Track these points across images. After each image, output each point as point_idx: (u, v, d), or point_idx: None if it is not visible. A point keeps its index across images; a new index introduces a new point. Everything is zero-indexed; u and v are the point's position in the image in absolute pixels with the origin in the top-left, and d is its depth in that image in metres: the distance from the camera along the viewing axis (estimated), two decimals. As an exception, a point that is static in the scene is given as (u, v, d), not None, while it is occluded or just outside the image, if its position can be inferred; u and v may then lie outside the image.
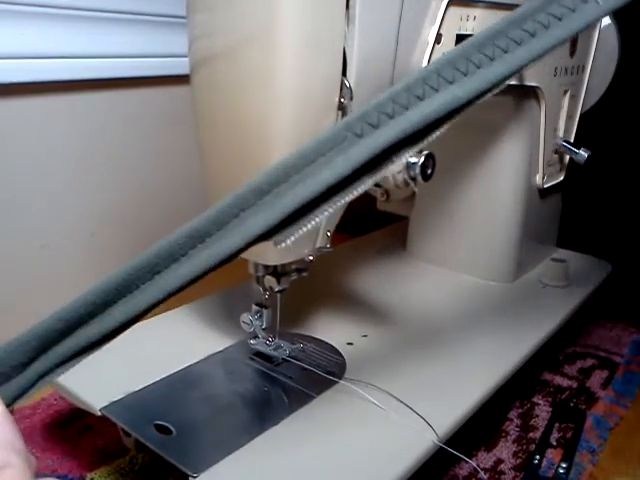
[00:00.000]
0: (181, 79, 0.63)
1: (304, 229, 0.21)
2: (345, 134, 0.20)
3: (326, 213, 0.21)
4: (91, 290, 0.20)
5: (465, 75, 0.20)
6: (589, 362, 0.62)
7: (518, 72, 0.21)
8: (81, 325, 0.20)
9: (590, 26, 0.22)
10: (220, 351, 0.49)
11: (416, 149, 0.21)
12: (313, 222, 0.21)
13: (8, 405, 0.20)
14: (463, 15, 0.46)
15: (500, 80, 0.21)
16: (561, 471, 0.46)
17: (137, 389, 0.43)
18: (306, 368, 0.47)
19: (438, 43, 0.44)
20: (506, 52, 0.21)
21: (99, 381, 0.43)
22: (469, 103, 0.20)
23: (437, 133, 0.21)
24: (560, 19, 0.21)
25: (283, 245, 0.21)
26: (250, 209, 0.20)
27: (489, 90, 0.21)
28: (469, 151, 0.64)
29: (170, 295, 0.20)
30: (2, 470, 0.18)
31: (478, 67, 0.20)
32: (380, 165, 0.21)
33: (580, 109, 0.68)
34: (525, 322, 0.57)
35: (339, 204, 0.21)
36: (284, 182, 0.20)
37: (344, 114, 0.39)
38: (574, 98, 0.67)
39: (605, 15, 0.23)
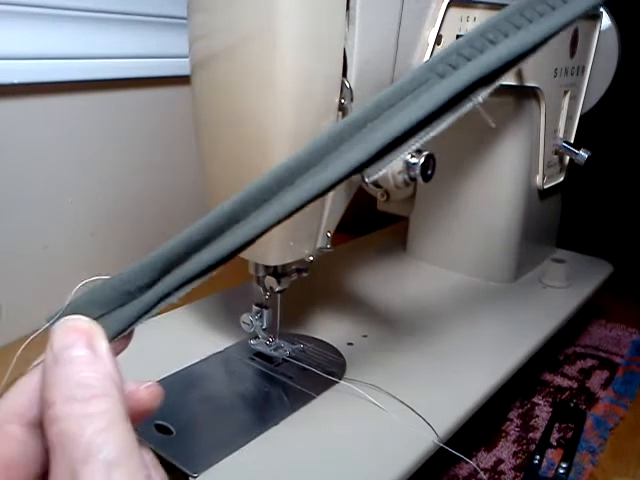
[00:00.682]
0: (182, 79, 0.63)
1: (392, 163, 0.23)
2: (429, 75, 0.22)
3: (413, 147, 0.23)
4: (207, 218, 0.22)
5: (530, 22, 0.22)
6: (589, 362, 0.62)
7: (575, 20, 0.23)
8: (198, 250, 0.22)
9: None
10: (220, 351, 0.49)
11: (489, 89, 0.23)
12: (400, 156, 0.23)
13: (131, 325, 0.22)
14: (463, 16, 0.46)
15: (559, 28, 0.23)
16: (561, 471, 0.46)
17: (137, 389, 0.43)
18: (306, 368, 0.47)
19: (438, 44, 0.44)
20: (565, 2, 0.23)
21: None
22: (535, 48, 0.23)
23: (505, 75, 0.23)
24: None
25: (375, 177, 0.23)
26: (348, 142, 0.22)
27: (552, 36, 0.23)
28: (469, 152, 0.64)
29: (278, 222, 0.22)
30: (102, 398, 0.19)
31: (541, 15, 0.23)
32: (459, 103, 0.23)
33: (580, 110, 0.68)
34: (525, 322, 0.57)
35: (422, 140, 0.23)
36: (377, 117, 0.22)
37: (344, 115, 0.39)
38: (574, 99, 0.67)
39: None
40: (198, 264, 0.22)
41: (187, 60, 0.41)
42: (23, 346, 0.22)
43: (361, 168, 0.22)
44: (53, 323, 0.21)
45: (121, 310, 0.22)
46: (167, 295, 0.22)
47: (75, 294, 0.22)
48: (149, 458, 0.21)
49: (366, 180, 0.23)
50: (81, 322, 0.21)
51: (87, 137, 0.66)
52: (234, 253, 0.22)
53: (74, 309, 0.21)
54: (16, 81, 0.57)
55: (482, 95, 0.23)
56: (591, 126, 0.71)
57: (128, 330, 0.22)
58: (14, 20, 0.56)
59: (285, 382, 0.46)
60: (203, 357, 0.48)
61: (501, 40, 0.22)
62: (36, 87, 0.59)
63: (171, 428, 0.40)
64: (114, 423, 0.19)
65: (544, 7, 0.23)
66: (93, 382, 0.19)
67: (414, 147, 0.23)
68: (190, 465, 0.36)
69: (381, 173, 0.23)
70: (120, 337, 0.22)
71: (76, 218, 0.67)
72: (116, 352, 0.22)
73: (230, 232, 0.22)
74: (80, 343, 0.20)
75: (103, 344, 0.21)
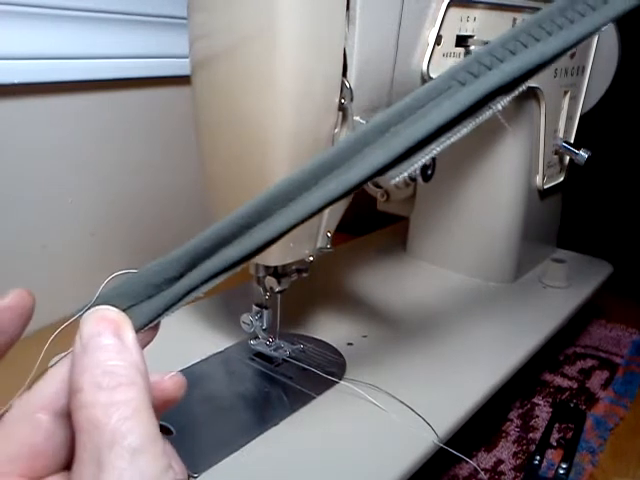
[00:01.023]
0: (182, 79, 0.63)
1: (415, 166, 0.24)
2: (450, 82, 0.23)
3: (434, 152, 0.24)
4: (235, 214, 0.22)
5: (550, 34, 0.23)
6: (589, 363, 0.62)
7: (594, 33, 0.25)
8: (224, 245, 0.23)
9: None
10: (220, 351, 0.49)
11: (508, 97, 0.23)
12: (422, 160, 0.24)
13: (158, 317, 0.23)
14: (463, 16, 0.46)
15: (578, 40, 0.24)
16: (561, 472, 0.46)
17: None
18: (306, 368, 0.47)
19: (438, 44, 0.44)
20: (584, 16, 0.24)
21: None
22: (553, 59, 0.23)
23: (526, 83, 0.24)
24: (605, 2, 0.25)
25: (397, 179, 0.24)
26: (371, 146, 0.23)
27: (569, 48, 0.24)
28: (469, 152, 0.64)
29: (302, 221, 0.23)
30: (128, 386, 0.19)
31: (561, 28, 0.23)
32: (479, 110, 0.24)
33: (580, 110, 0.68)
34: (525, 322, 0.57)
35: (443, 145, 0.24)
36: (400, 122, 0.23)
37: (344, 115, 0.39)
38: (574, 99, 0.67)
39: None
40: (224, 259, 0.22)
41: (187, 60, 0.41)
42: (52, 336, 0.23)
43: (383, 170, 0.23)
44: (82, 314, 0.22)
45: (149, 302, 0.23)
46: (194, 288, 0.23)
47: (105, 287, 0.23)
48: (168, 448, 0.22)
49: (391, 182, 0.24)
50: (109, 312, 0.22)
51: (87, 137, 0.66)
52: (259, 250, 0.23)
53: (103, 301, 0.22)
54: (16, 81, 0.57)
55: (502, 103, 0.24)
56: (591, 126, 0.71)
57: (155, 322, 0.23)
58: (14, 20, 0.56)
59: (285, 382, 0.46)
60: (203, 357, 0.48)
61: (521, 50, 0.23)
62: (36, 87, 0.59)
63: (171, 428, 0.40)
64: (139, 411, 0.19)
65: (563, 20, 0.23)
66: (120, 370, 0.20)
67: (435, 152, 0.23)
68: (190, 465, 0.36)
69: (403, 176, 0.24)
70: (147, 328, 0.23)
71: (76, 218, 0.67)
72: (144, 343, 0.22)
73: (255, 229, 0.22)
74: (108, 332, 0.21)
75: (130, 334, 0.21)
